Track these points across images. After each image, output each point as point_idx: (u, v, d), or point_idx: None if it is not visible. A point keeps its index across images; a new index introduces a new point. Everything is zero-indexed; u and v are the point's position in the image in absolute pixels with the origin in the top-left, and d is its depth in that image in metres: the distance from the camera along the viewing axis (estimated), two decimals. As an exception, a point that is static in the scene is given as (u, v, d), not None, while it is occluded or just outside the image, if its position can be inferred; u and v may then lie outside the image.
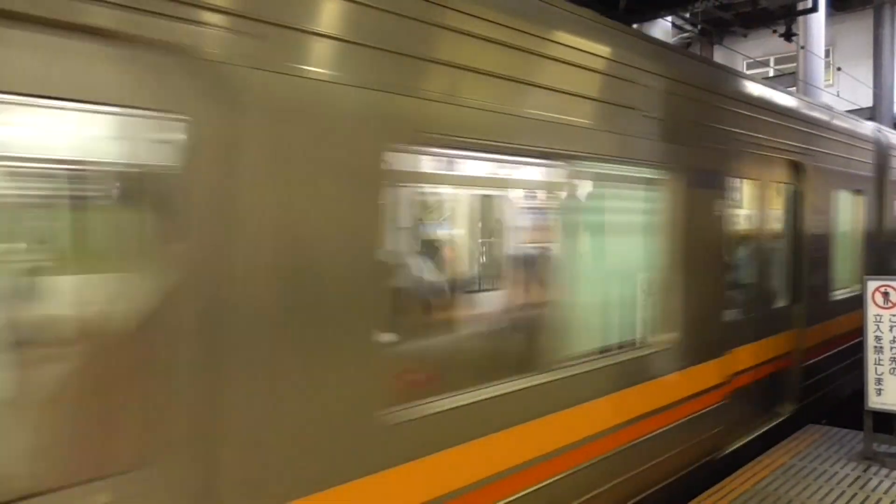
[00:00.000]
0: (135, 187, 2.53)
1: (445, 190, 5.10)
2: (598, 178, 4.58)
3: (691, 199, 5.24)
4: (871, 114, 18.25)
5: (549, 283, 4.17)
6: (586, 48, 4.25)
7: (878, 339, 5.99)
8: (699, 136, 5.45)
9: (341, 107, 2.90)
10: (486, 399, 3.58)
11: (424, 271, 4.51)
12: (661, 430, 4.91)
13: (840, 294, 8.07)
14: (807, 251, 7.20)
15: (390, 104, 3.07)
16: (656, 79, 4.91)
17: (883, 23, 19.91)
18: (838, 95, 17.85)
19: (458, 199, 5.35)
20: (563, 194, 4.17)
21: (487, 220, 5.43)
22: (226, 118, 2.52)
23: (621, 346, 4.75)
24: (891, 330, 5.93)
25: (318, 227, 2.83)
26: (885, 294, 5.96)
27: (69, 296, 2.46)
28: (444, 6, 3.36)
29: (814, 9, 11.50)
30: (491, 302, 4.72)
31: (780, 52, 19.47)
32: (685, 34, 20.35)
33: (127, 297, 2.41)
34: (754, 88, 6.62)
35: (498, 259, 5.30)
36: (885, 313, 5.95)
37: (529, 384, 3.83)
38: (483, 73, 3.55)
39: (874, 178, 9.02)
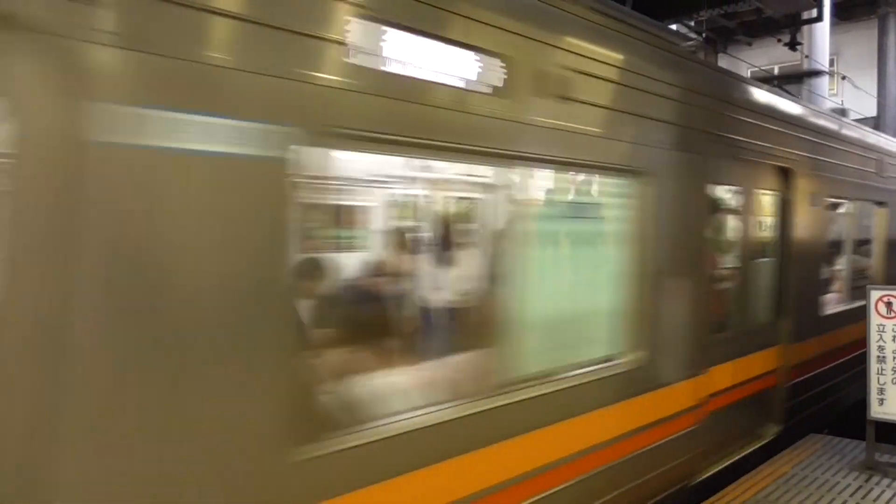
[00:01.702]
0: None
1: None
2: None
3: (668, 204, 4.90)
4: (875, 123, 18.24)
5: None
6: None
7: (880, 349, 5.98)
8: (677, 138, 5.03)
9: None
10: None
11: None
12: (624, 459, 4.46)
13: (838, 308, 7.90)
14: (796, 263, 6.76)
15: None
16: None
17: (887, 32, 19.91)
18: (842, 105, 17.83)
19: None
20: None
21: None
22: None
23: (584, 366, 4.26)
24: (893, 340, 5.92)
25: None
26: (889, 304, 5.96)
27: None
28: None
29: (818, 18, 11.51)
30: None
31: (784, 61, 19.47)
32: (690, 42, 20.35)
33: None
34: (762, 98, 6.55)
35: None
36: (888, 323, 5.95)
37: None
38: None
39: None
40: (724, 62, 21.35)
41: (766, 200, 6.57)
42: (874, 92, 19.77)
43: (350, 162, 4.09)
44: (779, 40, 12.32)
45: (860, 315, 6.33)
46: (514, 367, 3.69)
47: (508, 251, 3.75)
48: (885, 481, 5.75)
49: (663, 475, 4.86)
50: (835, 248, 8.16)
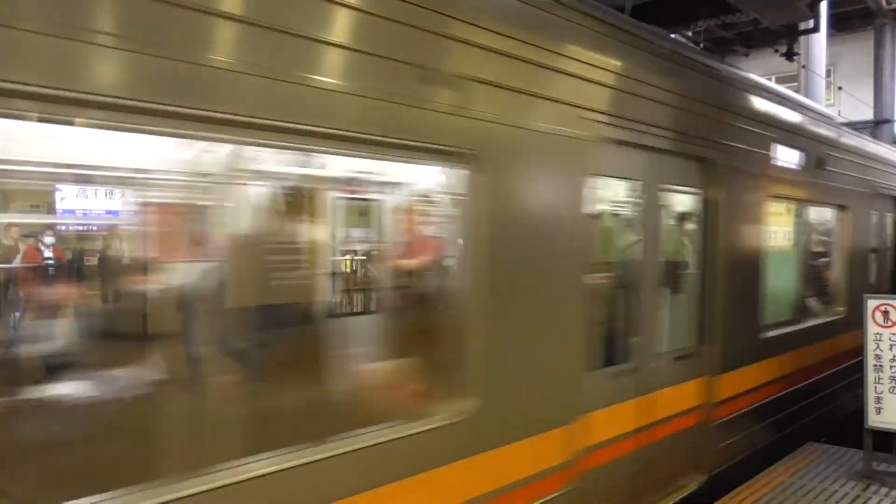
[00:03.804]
0: None
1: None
2: None
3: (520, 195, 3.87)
4: (871, 133, 18.32)
5: None
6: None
7: (877, 357, 6.00)
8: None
9: None
10: None
11: None
12: None
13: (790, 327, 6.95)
14: (722, 277, 5.66)
15: None
16: None
17: (883, 43, 20.02)
18: (839, 115, 17.92)
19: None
20: None
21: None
22: None
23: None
24: (890, 349, 5.94)
25: None
26: (885, 313, 5.97)
27: None
28: None
29: (815, 29, 11.56)
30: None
31: (781, 72, 19.54)
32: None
33: None
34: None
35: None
36: (885, 332, 5.97)
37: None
38: None
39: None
40: (721, 72, 21.44)
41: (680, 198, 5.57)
42: (870, 102, 19.86)
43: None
44: (776, 50, 12.37)
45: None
46: None
47: None
48: (883, 490, 5.75)
49: None
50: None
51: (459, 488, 3.44)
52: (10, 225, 7.97)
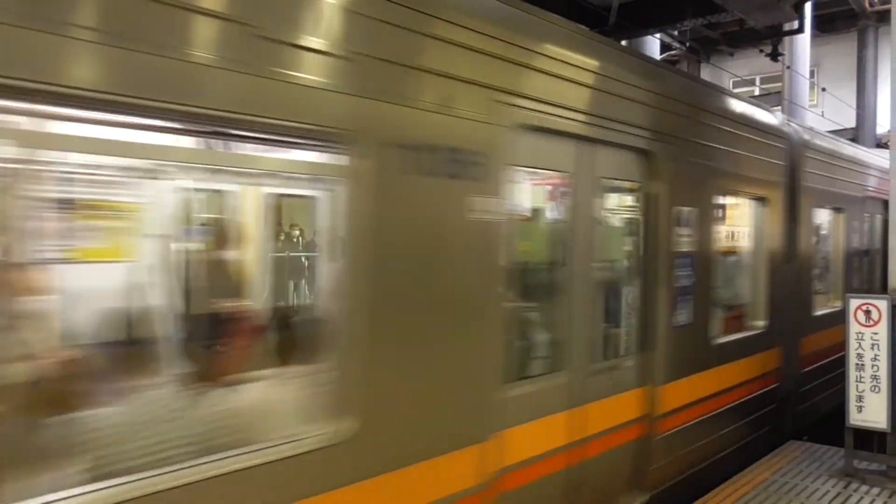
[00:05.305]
0: None
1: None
2: None
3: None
4: (854, 134, 18.50)
5: None
6: None
7: (859, 356, 6.04)
8: None
9: None
10: None
11: None
12: None
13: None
14: (664, 277, 5.16)
15: None
16: None
17: (867, 45, 20.22)
18: (823, 115, 18.08)
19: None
20: None
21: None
22: None
23: None
24: (871, 348, 5.98)
25: None
26: (867, 312, 6.01)
27: None
28: None
29: (800, 30, 11.64)
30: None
31: (766, 72, 19.69)
32: (673, 51, 20.54)
33: None
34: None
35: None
36: (867, 331, 6.01)
37: None
38: None
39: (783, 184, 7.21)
40: (706, 72, 21.58)
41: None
42: (853, 103, 20.05)
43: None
44: (761, 51, 12.47)
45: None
46: None
47: None
48: (864, 488, 5.80)
49: None
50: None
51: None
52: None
